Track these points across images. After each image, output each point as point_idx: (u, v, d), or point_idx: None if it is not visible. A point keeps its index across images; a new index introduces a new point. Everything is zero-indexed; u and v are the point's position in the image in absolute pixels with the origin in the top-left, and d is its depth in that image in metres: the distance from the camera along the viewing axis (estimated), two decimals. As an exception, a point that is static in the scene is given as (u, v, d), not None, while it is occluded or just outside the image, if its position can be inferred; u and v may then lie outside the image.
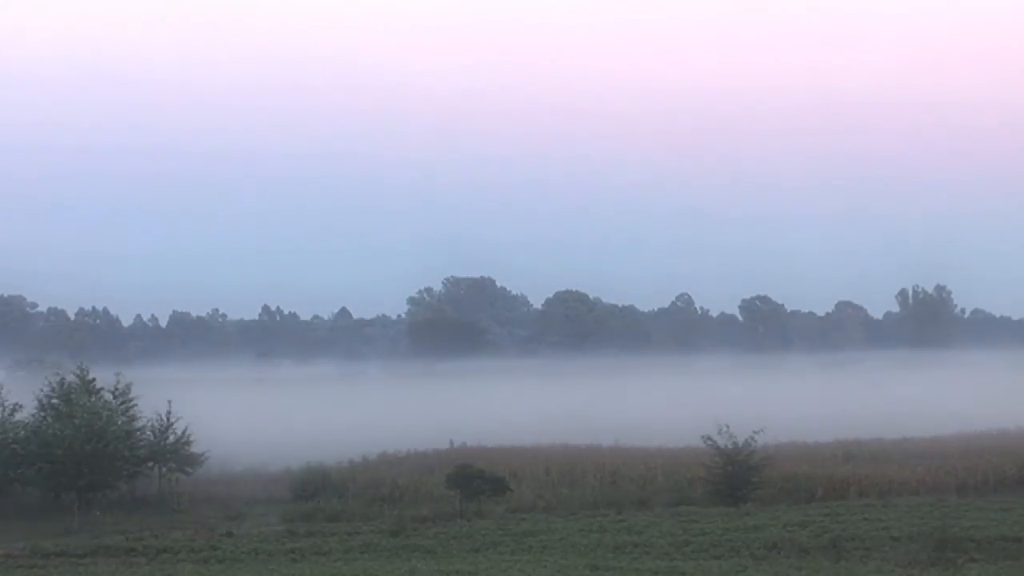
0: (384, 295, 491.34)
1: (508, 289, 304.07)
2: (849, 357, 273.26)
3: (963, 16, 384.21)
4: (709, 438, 63.94)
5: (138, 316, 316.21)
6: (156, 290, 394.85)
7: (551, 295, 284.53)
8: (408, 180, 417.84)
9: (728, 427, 63.43)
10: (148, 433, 69.31)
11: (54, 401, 68.73)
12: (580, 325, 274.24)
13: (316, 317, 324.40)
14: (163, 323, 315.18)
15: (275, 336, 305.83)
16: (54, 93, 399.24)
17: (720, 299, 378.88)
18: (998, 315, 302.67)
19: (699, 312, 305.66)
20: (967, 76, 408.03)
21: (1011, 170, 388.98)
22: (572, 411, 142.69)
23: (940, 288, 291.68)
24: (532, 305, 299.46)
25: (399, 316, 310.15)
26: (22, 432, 67.26)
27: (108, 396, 69.73)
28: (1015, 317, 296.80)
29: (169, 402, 69.03)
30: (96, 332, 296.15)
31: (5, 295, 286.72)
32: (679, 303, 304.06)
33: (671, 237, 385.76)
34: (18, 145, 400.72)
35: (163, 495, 67.35)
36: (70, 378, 70.70)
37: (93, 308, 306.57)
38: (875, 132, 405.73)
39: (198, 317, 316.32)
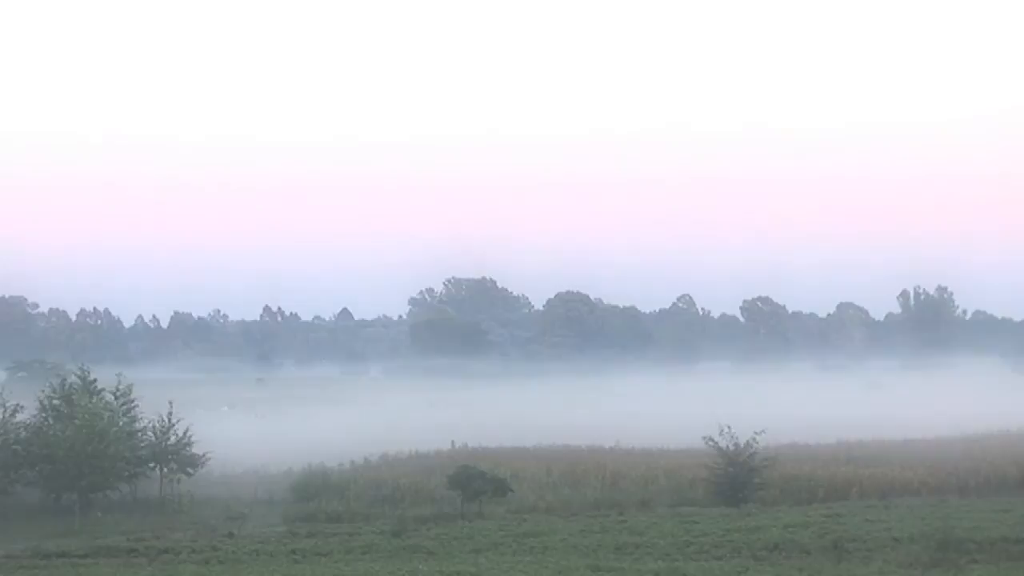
0: (385, 296, 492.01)
1: (509, 290, 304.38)
2: (850, 358, 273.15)
3: (964, 20, 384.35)
4: (710, 439, 63.88)
5: (139, 317, 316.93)
6: (157, 291, 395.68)
7: (552, 296, 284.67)
8: (409, 181, 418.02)
9: (730, 428, 63.37)
10: (149, 434, 69.23)
11: (55, 402, 68.68)
12: (581, 326, 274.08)
13: (317, 318, 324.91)
14: (164, 324, 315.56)
15: (276, 337, 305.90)
16: (54, 94, 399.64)
17: (721, 300, 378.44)
18: (1000, 316, 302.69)
19: (700, 313, 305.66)
20: (967, 77, 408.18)
21: (1012, 171, 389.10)
22: (573, 412, 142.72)
23: (941, 289, 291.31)
24: (533, 306, 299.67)
25: (400, 317, 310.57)
26: (23, 433, 67.19)
27: (109, 397, 69.67)
28: (1016, 319, 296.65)
29: (170, 403, 68.93)
30: (97, 333, 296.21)
31: (7, 296, 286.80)
32: (680, 304, 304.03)
33: (672, 239, 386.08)
34: (19, 147, 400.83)
35: (164, 496, 67.28)
36: (71, 379, 70.67)
37: (94, 309, 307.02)
38: (875, 133, 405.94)
39: (199, 318, 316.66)
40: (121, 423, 68.24)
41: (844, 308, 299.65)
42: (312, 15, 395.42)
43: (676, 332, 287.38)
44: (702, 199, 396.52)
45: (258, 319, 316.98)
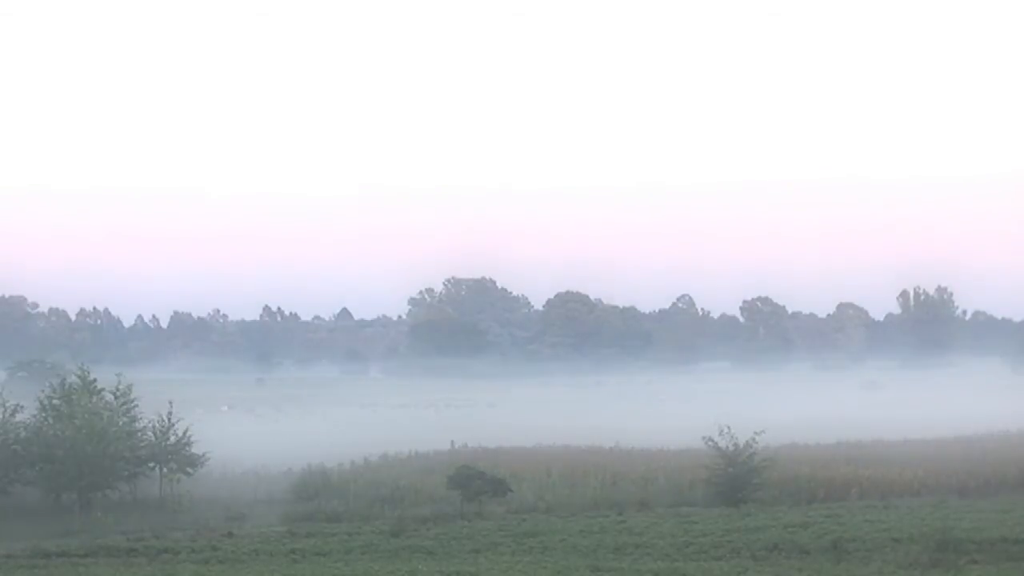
0: (385, 296, 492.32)
1: (509, 290, 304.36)
2: (850, 359, 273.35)
3: (964, 16, 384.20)
4: (710, 439, 63.85)
5: (139, 317, 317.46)
6: (157, 291, 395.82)
7: (552, 296, 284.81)
8: (409, 181, 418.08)
9: (729, 428, 63.34)
10: (149, 434, 69.16)
11: (55, 402, 68.61)
12: (581, 326, 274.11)
13: (317, 318, 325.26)
14: (164, 324, 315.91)
15: (276, 337, 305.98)
16: (54, 92, 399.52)
17: (721, 300, 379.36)
18: (999, 317, 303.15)
19: (700, 313, 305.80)
20: (968, 76, 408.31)
21: (1013, 171, 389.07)
22: (573, 412, 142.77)
23: (941, 290, 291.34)
24: (533, 306, 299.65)
25: (400, 317, 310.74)
26: (23, 433, 67.18)
27: (109, 397, 69.60)
28: (1016, 319, 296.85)
29: (170, 403, 68.89)
30: (97, 333, 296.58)
31: (6, 295, 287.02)
32: (680, 304, 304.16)
33: (672, 239, 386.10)
34: (19, 146, 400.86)
35: (164, 496, 67.25)
36: (71, 379, 70.61)
37: (94, 308, 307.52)
38: (876, 132, 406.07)
39: (199, 318, 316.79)
40: (121, 423, 68.17)
41: (844, 308, 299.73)
42: (309, 27, 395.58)
43: (676, 332, 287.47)
44: (702, 199, 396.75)
45: (258, 319, 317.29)
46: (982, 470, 67.95)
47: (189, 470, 68.67)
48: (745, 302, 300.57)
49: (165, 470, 68.63)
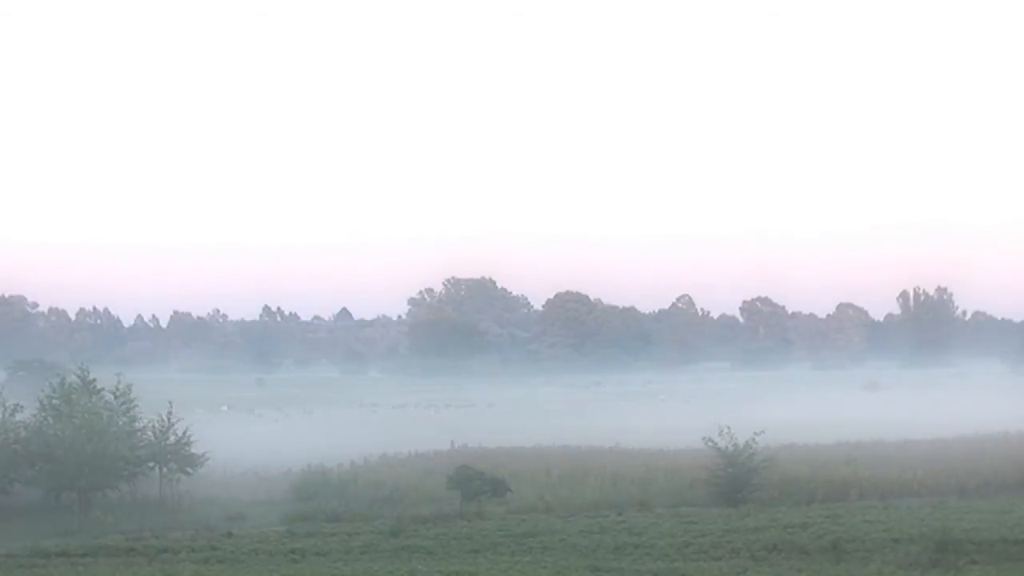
0: (385, 296, 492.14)
1: (509, 290, 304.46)
2: (850, 359, 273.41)
3: (964, 15, 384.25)
4: (710, 440, 63.88)
5: (139, 317, 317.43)
6: (157, 291, 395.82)
7: (552, 296, 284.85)
8: (409, 181, 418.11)
9: (729, 428, 63.35)
10: (149, 433, 69.18)
11: (55, 401, 68.61)
12: (581, 326, 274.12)
13: (316, 318, 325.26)
14: (164, 324, 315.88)
15: (276, 337, 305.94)
16: (55, 90, 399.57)
17: (721, 300, 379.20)
18: (999, 317, 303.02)
19: (700, 313, 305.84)
20: (968, 77, 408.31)
21: (1013, 171, 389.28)
22: (572, 412, 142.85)
23: (941, 290, 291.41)
24: (533, 306, 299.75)
25: (400, 317, 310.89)
26: (23, 432, 67.21)
27: (109, 396, 69.61)
28: (1016, 319, 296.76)
29: (170, 403, 68.91)
30: (97, 333, 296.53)
31: (6, 295, 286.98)
32: (680, 304, 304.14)
33: (672, 238, 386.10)
34: (20, 145, 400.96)
35: (164, 495, 67.25)
36: (71, 379, 70.61)
37: (94, 308, 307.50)
38: (876, 132, 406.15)
39: (199, 318, 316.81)
40: (120, 423, 68.19)
41: (844, 308, 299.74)
42: (314, 21, 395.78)
43: (676, 332, 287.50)
44: (702, 199, 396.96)
45: (257, 319, 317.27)
46: (982, 470, 67.95)
47: (189, 470, 68.68)
48: (745, 302, 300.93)
49: (165, 470, 68.64)
